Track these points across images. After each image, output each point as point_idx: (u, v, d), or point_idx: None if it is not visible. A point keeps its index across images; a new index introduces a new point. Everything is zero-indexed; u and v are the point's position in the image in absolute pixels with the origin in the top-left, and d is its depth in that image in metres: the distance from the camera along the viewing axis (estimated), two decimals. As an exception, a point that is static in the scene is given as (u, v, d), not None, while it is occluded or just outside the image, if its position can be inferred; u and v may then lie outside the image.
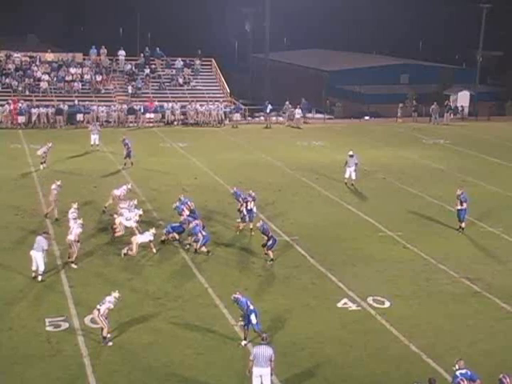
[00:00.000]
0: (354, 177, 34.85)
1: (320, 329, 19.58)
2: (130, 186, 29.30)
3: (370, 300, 21.43)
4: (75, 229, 23.28)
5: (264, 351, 15.96)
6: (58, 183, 28.08)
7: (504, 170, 40.52)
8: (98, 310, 18.05)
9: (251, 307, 18.27)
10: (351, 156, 34.87)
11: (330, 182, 35.49)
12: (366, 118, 59.47)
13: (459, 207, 28.11)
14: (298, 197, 32.95)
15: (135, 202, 27.10)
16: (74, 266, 23.10)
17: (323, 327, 19.69)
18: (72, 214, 24.71)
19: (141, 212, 26.19)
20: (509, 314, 20.99)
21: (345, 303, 21.25)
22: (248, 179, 35.01)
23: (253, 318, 18.11)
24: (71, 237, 23.08)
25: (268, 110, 54.13)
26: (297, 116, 53.71)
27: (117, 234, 25.63)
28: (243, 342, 18.40)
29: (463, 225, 28.23)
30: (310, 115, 59.01)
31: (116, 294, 18.56)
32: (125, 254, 24.08)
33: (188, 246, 25.10)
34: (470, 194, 29.46)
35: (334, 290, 22.27)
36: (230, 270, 23.62)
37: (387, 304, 21.26)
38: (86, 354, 17.70)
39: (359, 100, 66.19)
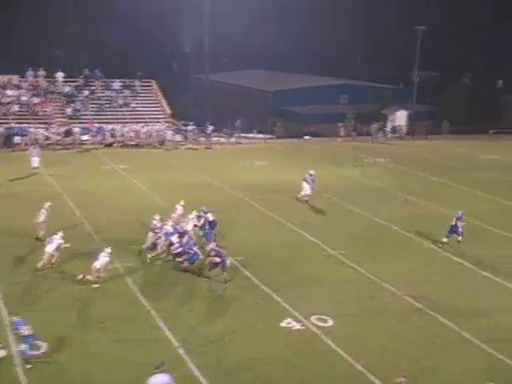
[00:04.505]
0: (308, 192, 35.82)
1: (264, 349, 19.45)
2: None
3: (313, 319, 21.38)
4: (103, 257, 23.50)
5: (161, 380, 15.68)
6: (48, 204, 27.89)
7: (444, 188, 41.08)
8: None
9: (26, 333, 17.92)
10: (311, 175, 36.77)
11: (274, 203, 35.46)
12: (306, 137, 59.84)
13: (459, 227, 28.60)
14: (242, 217, 32.81)
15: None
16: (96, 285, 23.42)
17: (267, 348, 19.56)
18: (58, 240, 24.47)
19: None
20: (449, 330, 21.19)
21: (288, 322, 21.15)
22: (191, 200, 34.66)
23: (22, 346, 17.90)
24: (97, 264, 23.34)
25: (209, 131, 54.04)
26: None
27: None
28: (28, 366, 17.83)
29: (460, 238, 28.57)
30: (250, 135, 59.08)
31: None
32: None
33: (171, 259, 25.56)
34: (411, 213, 29.69)
35: (278, 310, 22.16)
36: (176, 292, 23.37)
37: (331, 322, 21.25)
38: (24, 383, 17.17)
39: (300, 120, 66.62)
